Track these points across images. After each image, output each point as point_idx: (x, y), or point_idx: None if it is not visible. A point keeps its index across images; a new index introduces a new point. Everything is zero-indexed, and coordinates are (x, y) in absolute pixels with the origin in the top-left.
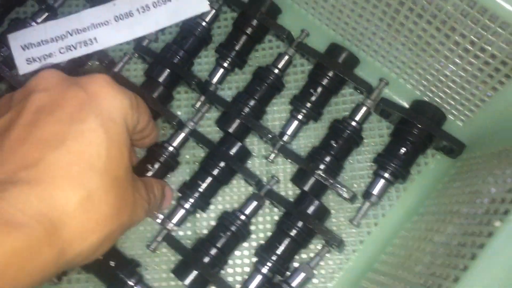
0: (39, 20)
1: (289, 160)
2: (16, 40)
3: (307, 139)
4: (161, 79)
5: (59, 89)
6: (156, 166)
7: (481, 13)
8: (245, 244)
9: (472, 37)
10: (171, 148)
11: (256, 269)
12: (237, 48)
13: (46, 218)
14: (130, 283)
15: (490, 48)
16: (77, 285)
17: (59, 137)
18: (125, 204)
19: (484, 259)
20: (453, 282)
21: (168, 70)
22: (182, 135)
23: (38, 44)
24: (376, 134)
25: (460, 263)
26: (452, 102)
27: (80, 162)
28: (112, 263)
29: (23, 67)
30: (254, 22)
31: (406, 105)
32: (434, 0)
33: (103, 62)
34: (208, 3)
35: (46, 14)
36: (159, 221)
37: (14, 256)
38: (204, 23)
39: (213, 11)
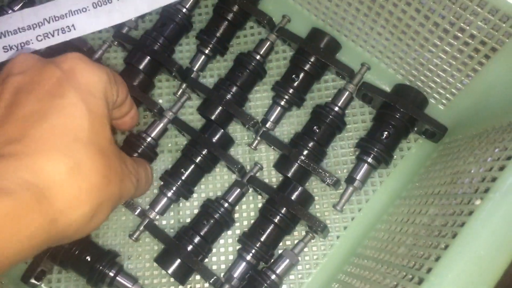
0: (16, 8)
1: (272, 147)
2: None
3: (290, 125)
4: (141, 67)
5: (35, 69)
6: (135, 156)
7: None
8: (229, 232)
9: (451, 17)
10: (149, 139)
11: (240, 256)
12: (218, 34)
13: (34, 187)
14: (111, 273)
15: (468, 28)
16: (58, 285)
17: (40, 113)
18: (114, 174)
19: (465, 236)
20: (434, 261)
21: (148, 57)
22: (161, 125)
23: (15, 32)
24: (359, 120)
25: (442, 242)
26: (434, 86)
27: (64, 135)
28: (88, 258)
29: (0, 55)
30: (235, 8)
31: (388, 90)
32: None
33: (81, 50)
34: None
35: (23, 1)
36: (136, 213)
37: (1, 221)
38: (184, 10)
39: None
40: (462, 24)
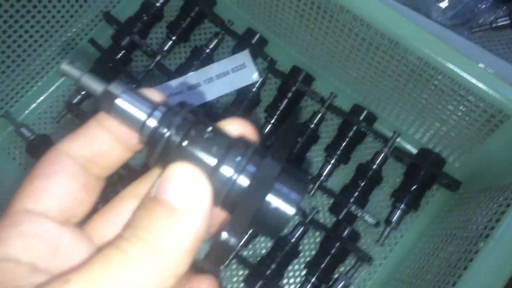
0: None
1: (326, 195)
2: None
3: (339, 178)
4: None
5: None
6: None
7: (467, 88)
8: (295, 260)
9: (463, 103)
10: None
11: (306, 279)
12: (280, 108)
13: None
14: None
15: (475, 112)
16: None
17: None
18: None
19: (473, 269)
20: (452, 286)
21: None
22: None
23: None
24: (393, 174)
25: (457, 272)
26: (451, 148)
27: None
28: None
29: None
30: (293, 89)
31: (415, 150)
32: (432, 77)
33: None
34: (257, 73)
35: (133, 86)
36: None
37: None
38: (254, 89)
39: (261, 79)
40: (473, 107)
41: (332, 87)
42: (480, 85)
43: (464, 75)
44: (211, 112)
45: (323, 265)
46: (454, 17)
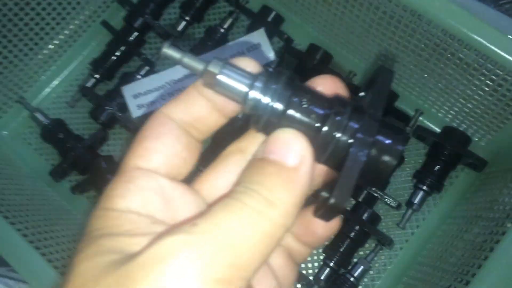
0: (142, 72)
1: None
2: (128, 91)
3: None
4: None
5: None
6: None
7: (494, 61)
8: None
9: (492, 76)
10: None
11: (325, 263)
12: None
13: None
14: None
15: (506, 83)
16: None
17: None
18: None
19: (499, 251)
20: (477, 268)
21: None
22: None
23: (145, 93)
24: (415, 154)
25: (482, 255)
26: (476, 126)
27: None
28: None
29: (135, 112)
30: (310, 67)
31: (438, 130)
32: (457, 50)
33: None
34: (273, 53)
35: (147, 67)
36: None
37: None
38: (270, 69)
39: (277, 58)
40: (500, 81)
41: (351, 65)
42: (509, 57)
43: (492, 47)
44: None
45: (342, 249)
46: None
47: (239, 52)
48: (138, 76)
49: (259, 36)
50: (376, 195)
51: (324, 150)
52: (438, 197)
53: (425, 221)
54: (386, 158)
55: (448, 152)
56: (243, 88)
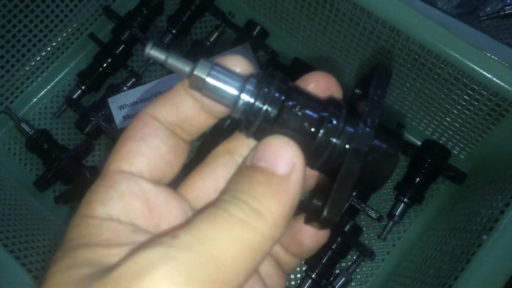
0: (128, 84)
1: None
2: (114, 102)
3: None
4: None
5: None
6: None
7: (471, 76)
8: None
9: (468, 91)
10: None
11: (306, 275)
12: None
13: None
14: None
15: (480, 100)
16: None
17: None
18: None
19: (475, 262)
20: (453, 280)
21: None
22: None
23: (131, 105)
24: (397, 166)
25: (459, 266)
26: (456, 140)
27: None
28: None
29: (120, 123)
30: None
31: (419, 143)
32: (434, 65)
33: None
34: (257, 66)
35: (133, 79)
36: None
37: None
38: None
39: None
40: (477, 96)
41: (337, 78)
42: (484, 72)
43: (468, 62)
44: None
45: (323, 260)
46: (460, 5)
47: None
48: (124, 88)
49: (244, 50)
50: (358, 207)
51: (319, 156)
52: (419, 209)
53: (406, 233)
54: (383, 163)
55: (428, 165)
56: (233, 91)
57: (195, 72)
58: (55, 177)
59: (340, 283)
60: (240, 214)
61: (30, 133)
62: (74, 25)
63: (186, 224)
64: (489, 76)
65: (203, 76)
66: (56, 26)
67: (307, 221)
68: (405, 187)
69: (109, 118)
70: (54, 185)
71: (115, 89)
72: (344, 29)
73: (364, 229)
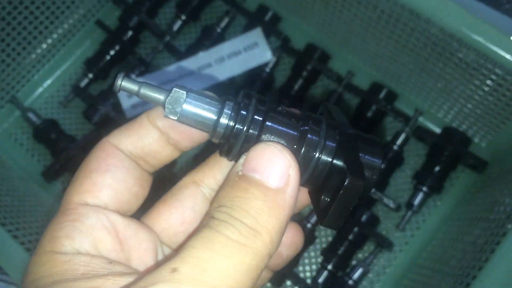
0: (137, 72)
1: None
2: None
3: None
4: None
5: None
6: None
7: (494, 60)
8: (311, 247)
9: (492, 76)
10: None
11: (322, 266)
12: (295, 88)
13: None
14: None
15: (504, 84)
16: None
17: None
18: None
19: (500, 252)
20: (478, 271)
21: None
22: None
23: None
24: (414, 155)
25: (483, 257)
26: (476, 127)
27: None
28: None
29: (129, 112)
30: (308, 67)
31: (438, 130)
32: (456, 50)
33: None
34: (270, 52)
35: (142, 68)
36: None
37: None
38: (267, 69)
39: (275, 58)
40: (500, 81)
41: (350, 64)
42: (508, 56)
43: (491, 46)
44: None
45: (340, 252)
46: None
47: (236, 52)
48: (133, 76)
49: (256, 36)
50: (375, 197)
51: (303, 171)
52: (438, 199)
53: (425, 223)
54: (369, 174)
55: (448, 153)
56: (211, 116)
57: (170, 98)
58: (63, 168)
59: (357, 274)
60: (237, 236)
61: (37, 123)
62: (81, 12)
63: (181, 254)
64: None
65: (180, 104)
66: (62, 12)
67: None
68: (424, 175)
69: (118, 107)
70: (62, 176)
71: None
72: (360, 12)
73: (381, 219)
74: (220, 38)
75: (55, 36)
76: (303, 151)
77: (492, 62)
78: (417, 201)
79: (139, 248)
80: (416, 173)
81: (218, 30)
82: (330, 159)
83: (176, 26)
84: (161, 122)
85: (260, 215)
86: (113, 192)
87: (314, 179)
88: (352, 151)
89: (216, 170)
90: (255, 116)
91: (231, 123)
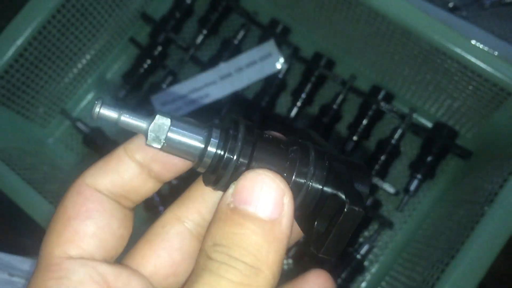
0: (167, 82)
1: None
2: (157, 100)
3: (361, 153)
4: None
5: None
6: None
7: (472, 70)
8: None
9: (472, 80)
10: None
11: None
12: (305, 91)
13: None
14: None
15: (483, 87)
16: None
17: None
18: None
19: (478, 231)
20: (461, 245)
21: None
22: None
23: (172, 101)
24: (410, 147)
25: (465, 233)
26: (463, 121)
27: None
28: None
29: None
30: (316, 73)
31: (430, 124)
32: (442, 60)
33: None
34: (283, 61)
35: (171, 78)
36: None
37: None
38: (280, 75)
39: (286, 66)
40: (479, 86)
41: (352, 69)
42: (484, 66)
43: (471, 58)
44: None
45: None
46: None
47: (252, 61)
48: (164, 86)
49: (269, 47)
50: (377, 183)
51: (294, 198)
52: (431, 183)
53: (420, 205)
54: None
55: (438, 145)
56: (198, 144)
57: (153, 128)
58: None
59: (364, 249)
60: (240, 278)
61: (86, 131)
62: (115, 30)
63: None
64: (489, 70)
65: (164, 131)
66: (98, 30)
67: (312, 243)
68: (418, 165)
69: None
70: None
71: (155, 88)
72: (360, 28)
73: (383, 202)
74: (238, 49)
75: (93, 52)
76: (293, 179)
77: (471, 71)
78: (413, 186)
79: None
80: (412, 163)
81: (235, 42)
82: (321, 186)
83: (198, 40)
84: (140, 154)
85: (259, 252)
86: (97, 240)
87: (304, 207)
88: (345, 177)
89: (200, 203)
90: (244, 145)
91: (220, 152)
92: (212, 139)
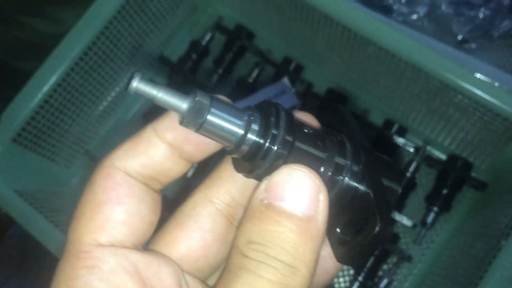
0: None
1: None
2: None
3: None
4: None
5: None
6: None
7: (483, 105)
8: None
9: (483, 114)
10: None
11: (354, 278)
12: None
13: None
14: None
15: (498, 117)
16: None
17: None
18: None
19: (495, 266)
20: (479, 279)
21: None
22: None
23: None
24: (425, 180)
25: (483, 267)
26: (476, 153)
27: None
28: None
29: None
30: None
31: (444, 157)
32: (453, 96)
33: None
34: (296, 97)
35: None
36: None
37: None
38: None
39: (300, 102)
40: (490, 120)
41: (365, 104)
42: (493, 101)
43: (479, 94)
44: None
45: (368, 265)
46: (474, 29)
47: (267, 99)
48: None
49: (283, 84)
50: (395, 217)
51: (330, 194)
52: (448, 216)
53: (438, 237)
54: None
55: (453, 177)
56: (237, 130)
57: (192, 109)
58: None
59: (383, 283)
60: (278, 277)
61: None
62: (133, 71)
63: None
64: (499, 105)
65: (203, 114)
66: (118, 75)
67: (341, 256)
68: (434, 197)
69: None
70: None
71: None
72: (371, 65)
73: (401, 235)
74: (253, 87)
75: (113, 95)
76: (329, 175)
77: (482, 105)
78: (429, 219)
79: (162, 286)
80: (427, 195)
81: (250, 80)
82: (356, 184)
83: (214, 79)
84: (172, 135)
85: (296, 250)
86: (127, 227)
87: (335, 204)
88: (377, 180)
89: (231, 184)
90: (286, 136)
91: (260, 141)
92: (252, 125)
